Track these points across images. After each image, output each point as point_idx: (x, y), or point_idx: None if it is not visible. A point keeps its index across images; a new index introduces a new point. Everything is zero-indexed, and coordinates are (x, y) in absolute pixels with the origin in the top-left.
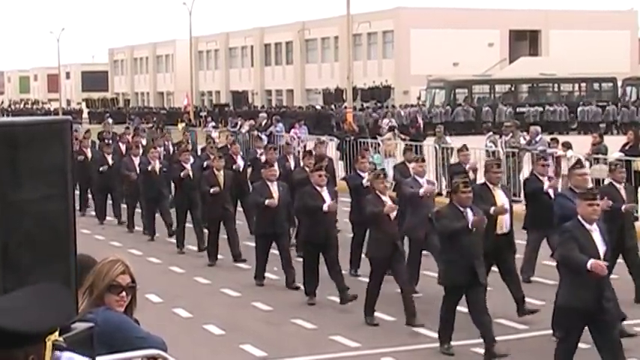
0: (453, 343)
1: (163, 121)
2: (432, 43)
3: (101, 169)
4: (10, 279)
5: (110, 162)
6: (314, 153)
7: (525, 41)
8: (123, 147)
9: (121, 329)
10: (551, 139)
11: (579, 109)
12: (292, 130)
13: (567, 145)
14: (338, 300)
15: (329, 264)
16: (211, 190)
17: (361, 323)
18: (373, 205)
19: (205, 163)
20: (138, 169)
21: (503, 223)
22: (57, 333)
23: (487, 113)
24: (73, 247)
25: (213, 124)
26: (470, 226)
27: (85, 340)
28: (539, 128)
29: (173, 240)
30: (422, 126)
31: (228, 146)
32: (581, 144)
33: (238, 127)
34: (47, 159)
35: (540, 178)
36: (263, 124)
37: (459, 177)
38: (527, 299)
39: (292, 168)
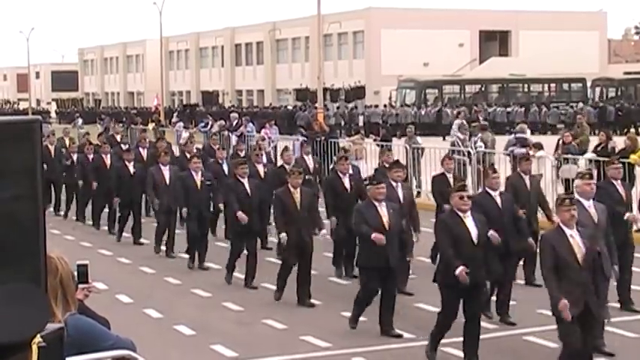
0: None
1: (133, 121)
2: (403, 43)
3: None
4: None
5: (132, 171)
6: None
7: (495, 42)
8: (144, 152)
9: (90, 335)
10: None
11: (532, 109)
12: (263, 131)
13: (538, 146)
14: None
15: (469, 317)
16: (283, 234)
17: (332, 324)
18: (559, 248)
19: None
20: (167, 180)
21: None
22: (39, 335)
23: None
24: (43, 248)
25: (181, 124)
26: None
27: (55, 341)
28: (525, 126)
29: (145, 241)
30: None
31: (238, 152)
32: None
33: (209, 127)
34: (16, 159)
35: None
36: (234, 124)
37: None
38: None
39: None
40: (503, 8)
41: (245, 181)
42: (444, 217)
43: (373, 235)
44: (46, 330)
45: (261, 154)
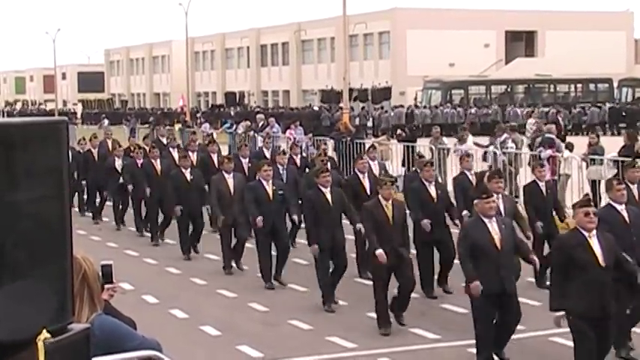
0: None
1: (159, 123)
2: (429, 43)
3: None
4: (6, 279)
5: (189, 178)
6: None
7: (521, 42)
8: (194, 157)
9: (115, 335)
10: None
11: (507, 110)
12: (288, 131)
13: (569, 147)
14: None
15: (601, 353)
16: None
17: (357, 324)
18: None
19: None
20: (232, 190)
21: None
22: (45, 331)
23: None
24: (69, 248)
25: (207, 124)
26: None
27: (82, 341)
28: (552, 127)
29: (171, 241)
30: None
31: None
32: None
33: (234, 128)
34: (43, 160)
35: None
36: (260, 125)
37: None
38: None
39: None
40: (529, 8)
41: (327, 191)
42: (564, 237)
43: (473, 285)
44: (72, 330)
45: (327, 161)
